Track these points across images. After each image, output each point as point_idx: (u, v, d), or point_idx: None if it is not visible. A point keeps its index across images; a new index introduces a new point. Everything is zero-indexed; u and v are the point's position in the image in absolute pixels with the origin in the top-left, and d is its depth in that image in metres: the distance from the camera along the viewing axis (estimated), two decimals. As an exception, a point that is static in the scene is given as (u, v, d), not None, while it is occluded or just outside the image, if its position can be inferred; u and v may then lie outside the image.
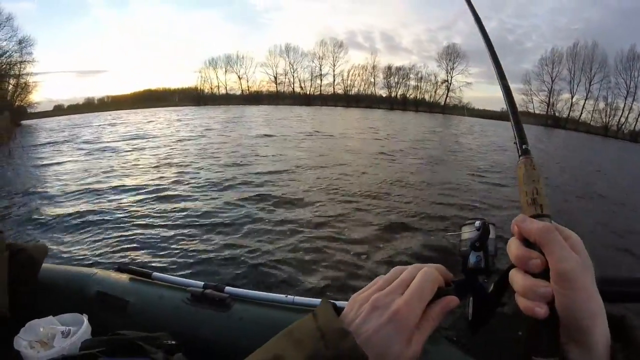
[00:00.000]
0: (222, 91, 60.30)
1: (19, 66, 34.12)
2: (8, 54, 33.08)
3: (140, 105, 52.38)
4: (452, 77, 56.50)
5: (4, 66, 32.91)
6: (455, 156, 15.20)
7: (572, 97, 49.74)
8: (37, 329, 1.70)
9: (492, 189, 9.39)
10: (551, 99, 50.55)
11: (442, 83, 57.48)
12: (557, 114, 49.86)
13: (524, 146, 0.58)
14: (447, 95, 56.64)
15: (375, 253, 5.20)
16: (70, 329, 1.71)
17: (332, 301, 0.60)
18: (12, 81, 34.00)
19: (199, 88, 59.95)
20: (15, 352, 1.61)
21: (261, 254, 5.12)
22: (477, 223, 0.59)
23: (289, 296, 1.84)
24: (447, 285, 0.57)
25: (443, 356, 1.39)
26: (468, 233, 0.60)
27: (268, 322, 1.72)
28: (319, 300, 1.82)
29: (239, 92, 60.78)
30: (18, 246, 2.01)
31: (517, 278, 0.49)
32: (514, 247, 0.50)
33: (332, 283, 4.39)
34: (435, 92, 58.23)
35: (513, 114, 0.64)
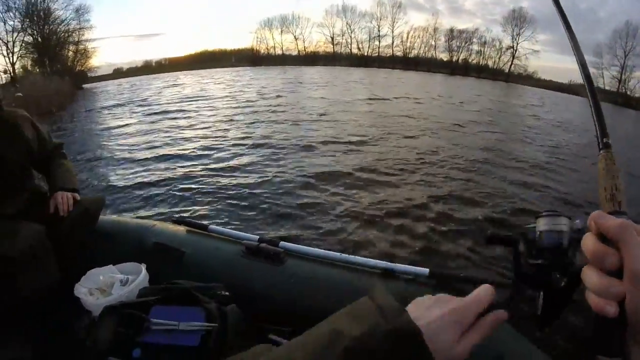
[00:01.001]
0: (278, 52, 59.30)
1: (77, 33, 35.49)
2: (66, 22, 34.29)
3: (197, 67, 52.73)
4: (517, 44, 52.86)
5: (63, 34, 34.29)
6: (530, 132, 13.74)
7: (648, 75, 45.06)
8: (96, 277, 1.74)
9: (570, 177, 8.49)
10: (623, 76, 46.39)
11: (506, 49, 53.40)
12: (628, 93, 45.71)
13: (604, 140, 0.57)
14: (511, 63, 52.70)
15: (438, 222, 4.95)
16: (129, 277, 1.74)
17: None
18: (72, 48, 35.41)
19: (255, 49, 59.60)
20: (76, 299, 1.66)
21: (318, 211, 5.08)
22: (564, 221, 0.56)
23: (343, 254, 1.78)
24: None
25: (509, 343, 1.31)
26: (555, 224, 0.56)
27: (321, 279, 1.67)
28: (374, 260, 1.77)
29: (295, 53, 59.82)
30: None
31: (590, 275, 0.48)
32: (589, 243, 0.48)
33: (389, 246, 4.28)
34: (499, 58, 54.43)
35: (595, 106, 0.63)
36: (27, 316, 1.77)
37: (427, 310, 0.54)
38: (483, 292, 0.57)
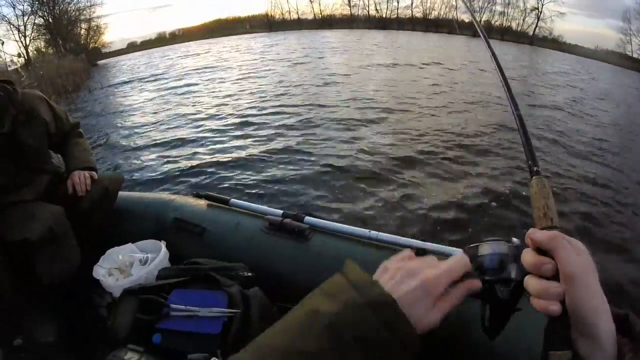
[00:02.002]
0: (294, 16, 58.20)
1: (88, 10, 35.27)
2: (76, 0, 34.14)
3: (211, 35, 52.12)
4: (542, 5, 49.88)
5: (74, 13, 34.17)
6: (570, 106, 12.30)
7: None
8: (115, 257, 1.69)
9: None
10: None
11: (531, 10, 50.69)
12: None
13: (535, 168, 0.64)
14: (536, 25, 49.94)
15: (476, 201, 4.64)
16: (148, 256, 1.68)
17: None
18: (84, 25, 35.35)
19: (269, 14, 58.48)
20: (95, 280, 1.62)
21: (346, 185, 4.88)
22: (514, 241, 0.62)
23: (372, 232, 1.66)
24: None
25: (527, 318, 1.23)
26: (495, 248, 0.63)
27: (348, 257, 1.58)
28: (403, 238, 1.65)
29: (311, 17, 58.39)
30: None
31: (532, 282, 0.55)
32: (529, 256, 0.56)
33: (422, 224, 4.08)
34: (523, 20, 51.71)
35: (525, 138, 0.68)
36: (50, 298, 1.75)
37: (399, 284, 0.56)
38: (456, 262, 0.60)
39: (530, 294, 0.55)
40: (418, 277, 0.56)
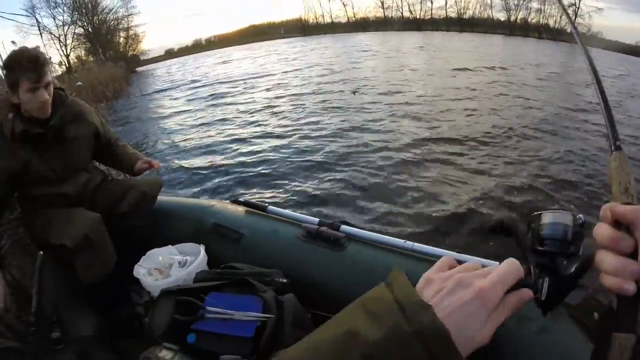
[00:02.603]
0: (327, 20, 58.36)
1: (126, 20, 36.76)
2: (114, 10, 35.65)
3: (246, 41, 53.07)
4: (580, 1, 48.34)
5: (112, 22, 35.72)
6: None
7: None
8: (156, 258, 1.74)
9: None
10: None
11: (569, 7, 49.21)
12: None
13: (617, 142, 0.61)
14: (574, 22, 48.69)
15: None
16: (187, 258, 1.72)
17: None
18: (122, 34, 36.81)
19: (303, 19, 59.00)
20: (135, 279, 1.67)
21: (384, 195, 4.80)
22: (568, 217, 0.59)
23: (407, 242, 1.64)
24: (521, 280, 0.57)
25: (563, 335, 1.23)
26: (559, 217, 0.60)
27: (384, 267, 1.56)
28: (442, 250, 1.63)
29: (344, 20, 58.47)
30: (131, 182, 2.13)
31: (606, 258, 0.50)
32: (604, 230, 0.51)
33: (461, 237, 3.95)
34: (560, 17, 49.77)
35: (607, 112, 0.65)
36: (90, 295, 1.81)
37: (449, 295, 0.50)
38: (509, 267, 0.54)
39: (603, 270, 0.50)
40: (472, 288, 0.51)
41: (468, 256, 1.54)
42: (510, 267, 0.54)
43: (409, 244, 1.64)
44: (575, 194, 4.65)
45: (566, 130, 7.90)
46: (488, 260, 1.52)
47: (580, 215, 0.59)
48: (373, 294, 0.52)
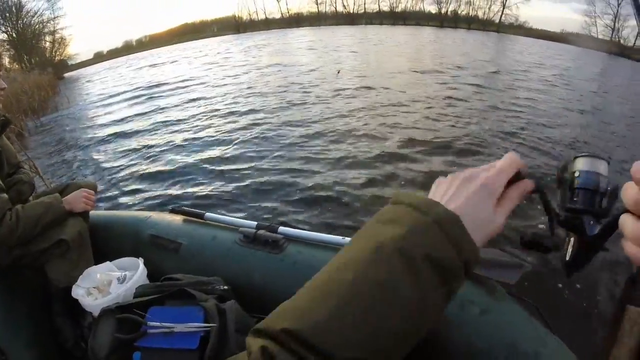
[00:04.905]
0: (261, 16, 58.09)
1: (52, 23, 34.88)
2: (39, 13, 33.53)
3: (179, 40, 51.94)
4: None
5: (37, 26, 33.71)
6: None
7: (640, 25, 42.68)
8: (94, 276, 1.71)
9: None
10: (616, 24, 44.46)
11: None
12: (622, 42, 43.55)
13: None
14: (502, 13, 50.59)
15: None
16: (126, 274, 1.71)
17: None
18: (48, 38, 34.97)
19: (236, 16, 58.15)
20: (74, 300, 1.64)
21: (317, 193, 4.87)
22: (603, 165, 0.55)
23: (346, 238, 1.70)
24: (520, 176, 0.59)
25: (505, 314, 1.27)
26: (592, 165, 0.55)
27: (324, 265, 1.61)
28: None
29: (278, 16, 58.22)
30: (63, 185, 2.09)
31: (630, 223, 0.46)
32: (632, 191, 0.46)
33: None
34: (489, 8, 52.24)
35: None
36: (35, 323, 1.77)
37: (458, 190, 0.56)
38: (509, 159, 0.59)
39: (625, 235, 0.47)
40: (477, 180, 0.56)
41: None
42: (508, 158, 0.59)
43: (347, 239, 1.70)
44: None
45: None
46: None
47: (603, 163, 0.56)
48: (386, 211, 0.56)
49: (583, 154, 0.56)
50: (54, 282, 1.78)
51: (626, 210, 0.47)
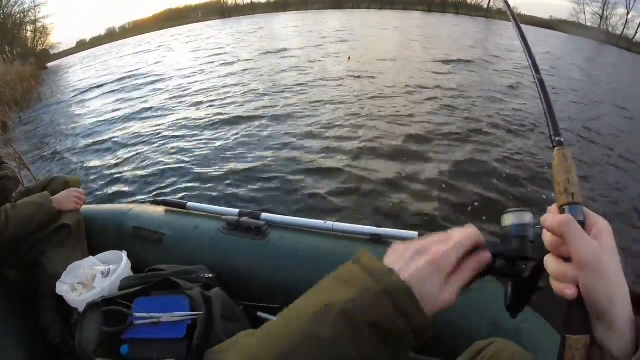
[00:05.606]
0: (247, 0, 57.43)
1: (33, 12, 33.56)
2: (20, 1, 32.23)
3: (163, 26, 50.95)
4: None
5: (18, 15, 32.50)
6: None
7: (628, 14, 41.76)
8: (78, 271, 1.70)
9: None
10: (605, 12, 44.70)
11: None
12: (610, 30, 43.52)
13: (557, 138, 0.61)
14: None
15: (431, 185, 4.59)
16: (110, 267, 1.70)
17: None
18: (30, 28, 33.83)
19: (222, 0, 57.63)
20: (59, 297, 1.64)
21: (299, 179, 4.84)
22: (529, 217, 0.61)
23: (327, 222, 1.73)
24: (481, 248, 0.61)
25: (487, 293, 1.34)
26: (516, 220, 0.61)
27: (307, 249, 1.63)
28: (360, 226, 1.70)
29: (264, 0, 57.65)
30: (47, 180, 2.08)
31: (550, 263, 0.53)
32: (547, 236, 0.54)
33: (373, 210, 4.09)
34: None
35: (548, 107, 0.65)
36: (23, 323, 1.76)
37: (410, 261, 0.56)
38: (466, 234, 0.60)
39: (549, 273, 0.53)
40: (427, 254, 0.57)
41: (387, 230, 1.65)
42: (466, 233, 0.60)
43: (329, 224, 1.72)
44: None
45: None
46: (407, 232, 1.63)
47: (528, 216, 0.61)
48: (343, 269, 0.58)
49: (511, 210, 0.61)
50: (49, 270, 1.76)
51: (547, 252, 0.54)
